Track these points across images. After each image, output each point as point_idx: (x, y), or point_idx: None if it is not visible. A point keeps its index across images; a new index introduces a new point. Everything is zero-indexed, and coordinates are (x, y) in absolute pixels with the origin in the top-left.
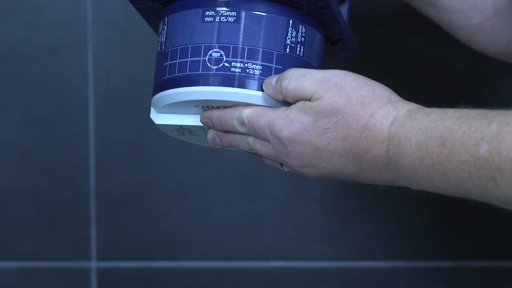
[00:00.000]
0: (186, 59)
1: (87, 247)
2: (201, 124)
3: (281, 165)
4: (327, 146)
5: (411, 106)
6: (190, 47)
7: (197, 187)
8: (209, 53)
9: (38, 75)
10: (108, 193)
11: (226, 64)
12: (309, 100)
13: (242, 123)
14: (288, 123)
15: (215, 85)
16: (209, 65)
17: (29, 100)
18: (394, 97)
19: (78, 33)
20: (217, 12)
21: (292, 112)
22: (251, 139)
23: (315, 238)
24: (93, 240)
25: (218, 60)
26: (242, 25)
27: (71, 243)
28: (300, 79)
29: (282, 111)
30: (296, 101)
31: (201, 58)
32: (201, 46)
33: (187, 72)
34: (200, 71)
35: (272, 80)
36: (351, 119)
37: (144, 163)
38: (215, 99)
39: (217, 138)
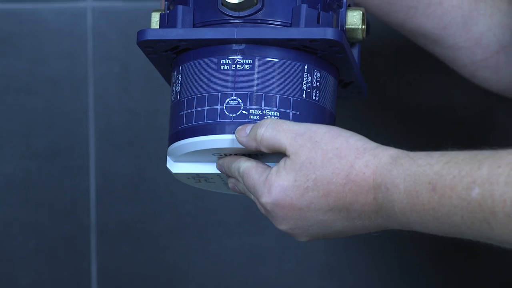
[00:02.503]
0: (203, 108)
1: (88, 280)
2: (218, 172)
3: None
4: (310, 205)
5: (392, 151)
6: (206, 96)
7: (197, 220)
8: (227, 101)
9: (38, 108)
10: (108, 226)
11: (244, 111)
12: (284, 153)
13: (240, 176)
14: (268, 188)
15: (233, 133)
16: (227, 113)
17: (30, 133)
18: (370, 144)
19: (78, 66)
20: (232, 60)
21: (273, 176)
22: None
23: (315, 271)
24: (94, 273)
25: (235, 108)
26: (258, 72)
27: (72, 276)
28: (276, 128)
29: (265, 176)
30: (270, 150)
31: (219, 107)
32: (218, 94)
33: (205, 121)
34: (218, 120)
35: (246, 128)
36: (330, 173)
37: (144, 196)
38: (234, 147)
39: (236, 186)
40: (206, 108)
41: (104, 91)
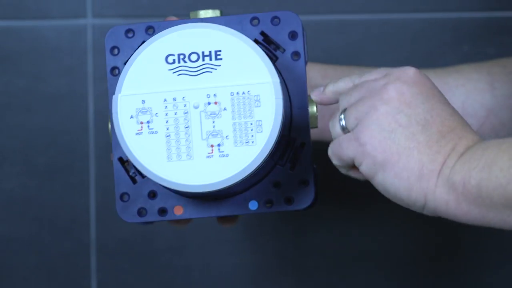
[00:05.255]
0: None
1: None
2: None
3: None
4: (435, 96)
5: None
6: None
7: (197, 238)
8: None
9: (39, 125)
10: (108, 243)
11: None
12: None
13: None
14: (404, 68)
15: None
16: None
17: (30, 150)
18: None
19: (79, 83)
20: None
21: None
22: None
23: None
24: None
25: None
26: None
27: None
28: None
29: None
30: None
31: None
32: None
33: None
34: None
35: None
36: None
37: None
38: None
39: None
40: None
41: (104, 107)
